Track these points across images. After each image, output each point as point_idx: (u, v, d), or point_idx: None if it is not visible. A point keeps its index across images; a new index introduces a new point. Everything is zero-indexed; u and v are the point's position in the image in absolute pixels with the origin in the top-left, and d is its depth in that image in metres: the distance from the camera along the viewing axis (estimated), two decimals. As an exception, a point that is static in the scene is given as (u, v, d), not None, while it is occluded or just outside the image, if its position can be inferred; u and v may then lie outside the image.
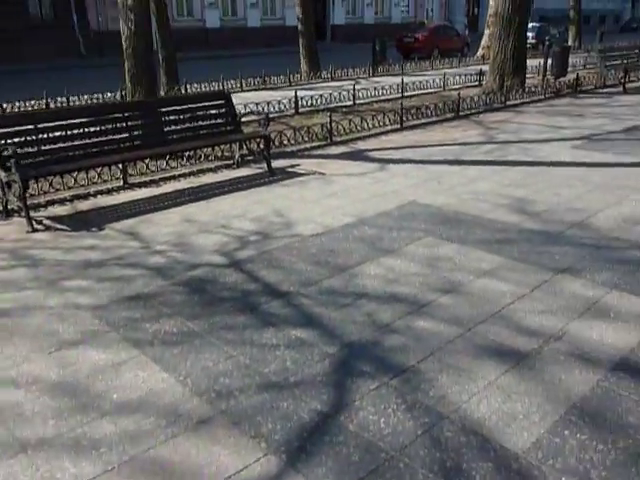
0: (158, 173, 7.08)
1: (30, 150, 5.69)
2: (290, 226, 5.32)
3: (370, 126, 9.38)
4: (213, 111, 7.26)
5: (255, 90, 14.95)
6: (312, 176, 7.00)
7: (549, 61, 14.76)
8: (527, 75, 13.87)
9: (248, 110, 10.69)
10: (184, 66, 18.12)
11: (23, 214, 5.51)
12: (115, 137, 6.39)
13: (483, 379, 2.98)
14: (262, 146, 7.19)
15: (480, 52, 23.27)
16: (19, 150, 5.47)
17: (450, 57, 23.69)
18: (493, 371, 3.05)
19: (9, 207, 5.72)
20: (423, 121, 10.14)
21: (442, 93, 13.90)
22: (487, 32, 22.94)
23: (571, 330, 3.45)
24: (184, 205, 6.04)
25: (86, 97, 12.07)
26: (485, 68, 16.15)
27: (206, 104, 7.26)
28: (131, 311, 3.77)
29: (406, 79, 15.92)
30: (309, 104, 11.72)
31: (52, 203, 6.16)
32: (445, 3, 43.83)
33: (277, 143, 8.13)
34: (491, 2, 23.00)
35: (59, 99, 11.95)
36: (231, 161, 7.57)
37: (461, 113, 10.82)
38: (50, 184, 6.34)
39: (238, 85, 14.95)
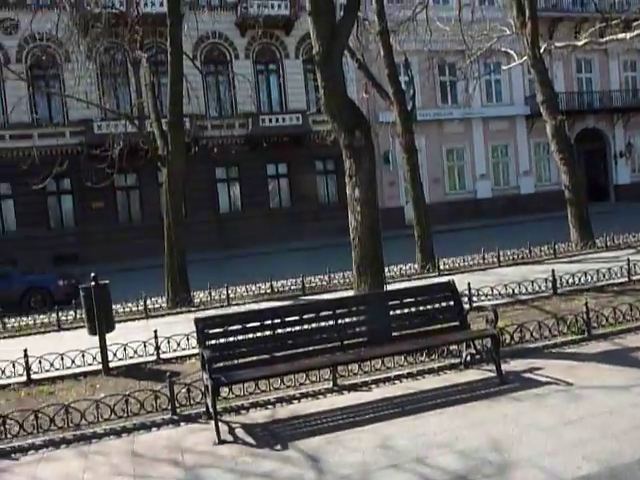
0: (372, 373, 6.37)
1: (228, 352, 5.52)
2: (504, 471, 4.00)
3: (645, 313, 7.50)
4: (437, 305, 6.48)
5: (514, 265, 13.81)
6: (554, 387, 5.54)
7: None
8: None
9: (496, 292, 9.81)
10: (450, 237, 17.98)
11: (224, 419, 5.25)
12: (326, 336, 5.96)
13: None
14: (490, 346, 6.04)
15: None
16: (217, 352, 5.33)
17: None
18: None
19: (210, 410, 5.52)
20: None
21: None
22: None
23: None
24: (386, 421, 5.15)
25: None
26: None
27: (432, 297, 6.53)
28: None
29: None
30: (571, 282, 10.16)
31: (255, 406, 5.82)
32: None
33: (516, 338, 6.85)
34: None
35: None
36: (458, 359, 6.52)
37: None
38: (256, 384, 6.06)
39: (495, 259, 14.02)
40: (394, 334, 6.34)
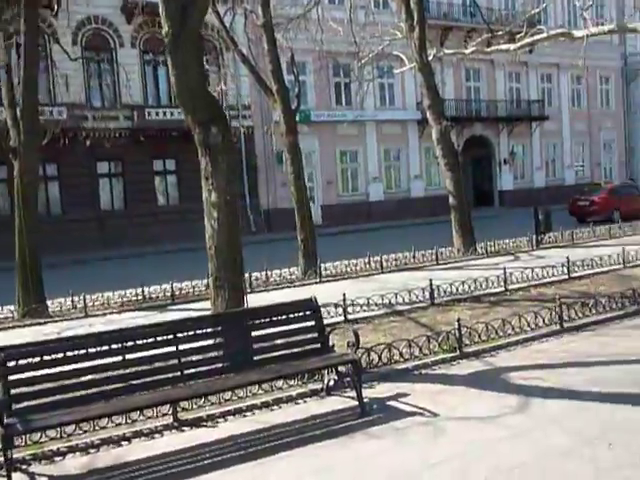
0: (222, 404, 5.56)
1: (34, 390, 4.53)
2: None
3: (517, 328, 7.22)
4: (299, 325, 5.79)
5: (398, 270, 13.53)
6: (418, 418, 5.00)
7: None
8: None
9: (372, 303, 9.34)
10: (341, 239, 17.66)
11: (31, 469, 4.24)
12: (162, 365, 5.09)
13: None
14: (351, 373, 5.41)
15: (672, 214, 20.03)
16: (18, 389, 4.32)
17: (635, 219, 20.69)
18: None
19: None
20: (593, 319, 7.72)
21: (622, 272, 11.26)
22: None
23: None
24: (225, 468, 4.37)
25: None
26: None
27: (295, 315, 5.83)
28: None
29: (577, 252, 13.58)
30: (449, 292, 9.89)
31: (74, 450, 4.84)
32: (626, 160, 40.68)
33: (385, 359, 6.30)
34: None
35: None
36: (321, 384, 5.86)
37: (648, 305, 8.23)
38: (77, 425, 5.06)
39: (378, 265, 13.67)
40: (256, 358, 5.61)
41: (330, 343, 5.82)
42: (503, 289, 10.17)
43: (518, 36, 21.83)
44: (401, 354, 6.37)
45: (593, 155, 39.61)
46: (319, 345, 5.65)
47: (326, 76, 30.10)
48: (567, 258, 11.11)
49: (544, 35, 22.00)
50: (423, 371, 6.27)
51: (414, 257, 14.45)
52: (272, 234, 27.53)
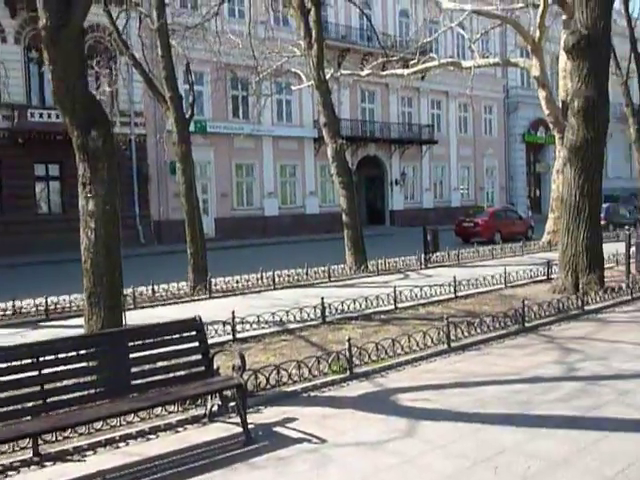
0: (91, 435, 5.02)
1: None
2: None
3: (406, 348, 7.22)
4: (183, 346, 5.39)
5: (290, 287, 13.34)
6: (305, 446, 4.76)
7: (632, 250, 12.58)
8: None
9: (263, 320, 9.06)
10: (234, 254, 17.25)
11: None
12: (21, 393, 4.51)
13: None
14: (236, 398, 5.08)
15: (546, 237, 21.43)
16: None
17: (514, 241, 21.97)
18: None
19: None
20: (478, 338, 7.90)
21: (503, 292, 11.74)
22: (552, 216, 21.35)
23: None
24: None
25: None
26: (552, 256, 14.16)
27: (178, 336, 5.42)
28: None
29: (462, 272, 14.09)
30: (340, 310, 9.82)
31: None
32: (506, 185, 43.39)
33: (273, 381, 6.03)
34: (553, 186, 21.71)
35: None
36: (204, 410, 5.47)
37: (528, 324, 8.55)
38: None
39: (270, 281, 13.41)
40: (134, 382, 5.13)
41: (215, 365, 5.48)
42: (393, 307, 10.25)
43: (411, 62, 22.70)
44: (290, 376, 6.13)
45: (477, 179, 41.91)
46: (203, 368, 5.28)
47: (224, 88, 29.66)
48: (454, 277, 11.42)
49: (435, 63, 23.04)
50: (312, 393, 6.06)
51: (307, 274, 14.35)
52: (162, 246, 26.58)
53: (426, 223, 28.74)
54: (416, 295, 10.79)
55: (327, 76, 21.15)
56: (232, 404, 5.31)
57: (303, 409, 5.61)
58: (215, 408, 5.39)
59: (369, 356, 6.82)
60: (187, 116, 13.87)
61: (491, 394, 5.82)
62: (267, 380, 5.97)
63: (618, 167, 49.47)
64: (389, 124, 36.31)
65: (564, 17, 18.88)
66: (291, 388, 6.07)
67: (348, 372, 6.47)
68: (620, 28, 30.80)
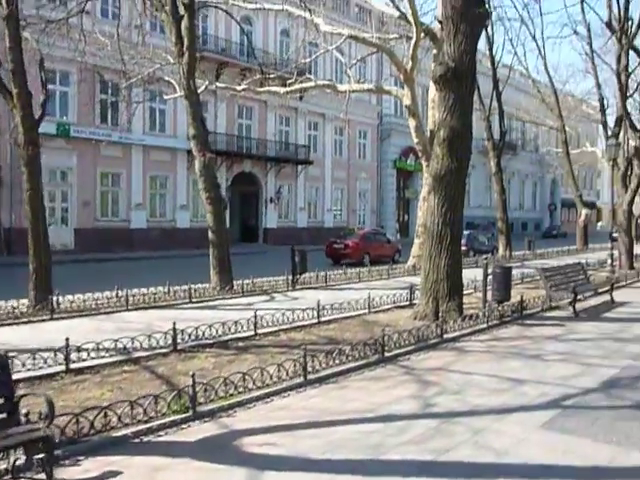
0: None
1: None
2: None
3: (259, 382, 6.66)
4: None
5: (145, 308, 12.34)
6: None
7: (489, 278, 12.99)
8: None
9: (103, 347, 8.11)
10: (94, 268, 15.86)
11: None
12: None
13: None
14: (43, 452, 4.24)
15: (411, 261, 21.99)
16: None
17: (381, 264, 22.35)
18: None
19: None
20: (336, 369, 7.51)
21: (367, 317, 11.59)
22: (417, 241, 21.98)
23: None
24: None
25: None
26: (416, 280, 14.34)
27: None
28: None
29: (328, 295, 13.90)
30: (195, 335, 9.07)
31: None
32: (377, 209, 44.66)
33: (99, 425, 5.20)
34: (419, 212, 22.39)
35: None
36: (5, 464, 4.54)
37: (387, 354, 8.32)
38: None
39: (123, 301, 12.31)
40: None
41: (25, 410, 4.59)
42: (253, 333, 9.68)
43: (289, 81, 22.53)
44: (120, 418, 5.33)
45: (350, 202, 42.73)
46: (5, 415, 4.38)
47: (90, 91, 27.90)
48: (318, 302, 11.09)
49: (312, 84, 23.07)
50: (146, 438, 5.29)
51: (167, 293, 13.41)
52: (12, 257, 24.10)
53: (299, 242, 28.71)
54: (278, 320, 10.30)
55: (202, 88, 20.43)
56: (40, 456, 4.44)
57: (132, 459, 4.85)
58: (19, 462, 4.48)
59: (216, 392, 6.17)
60: (37, 117, 12.54)
61: (344, 436, 5.39)
62: (92, 424, 5.12)
63: (479, 196, 52.98)
64: (266, 141, 36.02)
65: (434, 51, 19.62)
66: (121, 432, 5.26)
67: (191, 411, 5.78)
68: (485, 68, 32.96)
